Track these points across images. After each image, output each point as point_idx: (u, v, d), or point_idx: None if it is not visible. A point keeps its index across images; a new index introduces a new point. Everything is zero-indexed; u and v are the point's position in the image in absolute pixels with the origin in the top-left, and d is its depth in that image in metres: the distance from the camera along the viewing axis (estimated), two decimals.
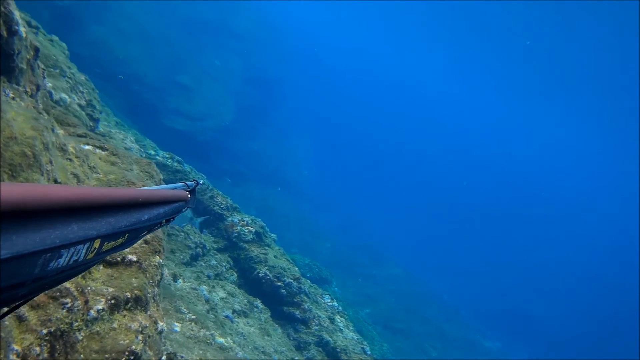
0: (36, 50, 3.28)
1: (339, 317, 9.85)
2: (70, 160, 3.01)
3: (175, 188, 1.50)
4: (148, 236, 3.18)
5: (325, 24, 51.75)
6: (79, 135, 3.58)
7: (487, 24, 37.98)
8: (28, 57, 3.16)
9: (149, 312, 2.86)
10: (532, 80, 42.73)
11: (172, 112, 24.05)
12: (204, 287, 7.62)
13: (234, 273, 8.92)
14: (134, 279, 2.85)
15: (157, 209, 1.14)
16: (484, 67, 45.83)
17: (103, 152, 3.46)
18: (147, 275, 2.95)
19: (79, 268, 0.84)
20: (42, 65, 3.54)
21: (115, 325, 2.62)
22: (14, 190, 0.56)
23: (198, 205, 9.55)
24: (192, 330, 4.80)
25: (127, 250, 2.96)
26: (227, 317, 7.33)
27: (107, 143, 3.56)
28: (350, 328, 9.85)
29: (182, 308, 4.99)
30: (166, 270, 6.68)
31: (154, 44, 25.22)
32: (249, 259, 9.02)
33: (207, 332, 4.91)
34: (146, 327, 2.76)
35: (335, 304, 10.27)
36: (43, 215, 0.64)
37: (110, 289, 2.70)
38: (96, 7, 23.13)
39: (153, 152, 10.57)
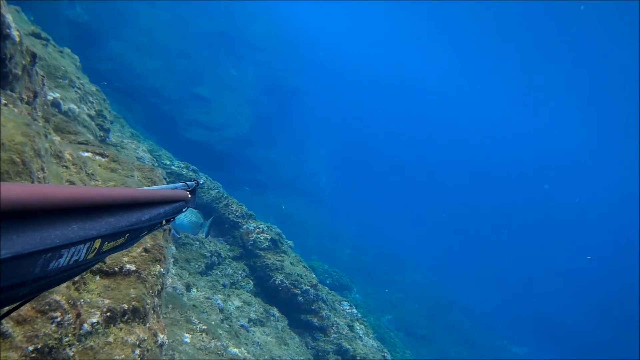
0: (33, 56, 3.21)
1: (358, 324, 9.61)
2: (67, 167, 2.91)
3: (175, 188, 1.51)
4: (148, 244, 3.05)
5: (341, 33, 51.73)
6: (80, 143, 3.49)
7: (498, 23, 37.52)
8: (24, 62, 3.08)
9: (148, 324, 2.72)
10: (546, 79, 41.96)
11: (190, 123, 24.24)
12: (219, 296, 7.49)
13: (250, 281, 8.78)
14: (132, 290, 2.72)
15: (157, 209, 1.14)
16: (504, 70, 45.18)
17: (103, 159, 3.36)
18: (147, 285, 2.82)
19: (80, 268, 0.83)
20: (41, 73, 3.47)
21: (110, 339, 2.48)
22: (14, 190, 0.56)
23: (212, 213, 9.47)
24: (203, 341, 4.65)
25: (126, 259, 2.85)
26: (242, 326, 7.18)
27: (107, 150, 3.47)
28: (370, 335, 9.59)
29: (193, 318, 4.85)
30: (178, 281, 6.58)
31: (171, 57, 25.52)
32: (265, 266, 8.87)
33: (219, 343, 4.76)
34: (144, 340, 2.62)
35: (354, 310, 10.03)
36: (43, 215, 0.64)
37: (107, 301, 2.57)
38: (114, 22, 23.52)
39: (168, 162, 10.55)
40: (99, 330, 2.45)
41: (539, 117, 52.99)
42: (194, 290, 6.81)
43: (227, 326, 6.47)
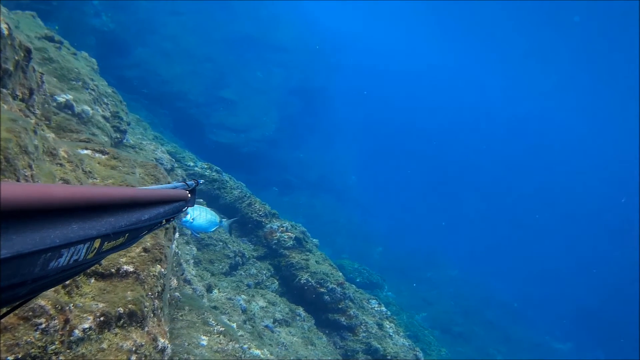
0: (27, 51, 3.08)
1: (388, 322, 9.29)
2: (61, 165, 2.76)
3: (175, 187, 1.51)
4: (148, 244, 2.88)
5: (365, 30, 51.15)
6: (81, 141, 3.37)
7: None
8: (17, 58, 2.96)
9: (147, 329, 2.54)
10: None
11: (216, 126, 24.39)
12: (243, 296, 7.34)
13: (275, 281, 8.60)
14: (129, 292, 2.55)
15: (157, 209, 1.14)
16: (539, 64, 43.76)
17: (103, 157, 3.22)
18: (146, 287, 2.64)
19: (80, 267, 0.83)
20: (39, 70, 3.35)
21: (104, 345, 2.31)
22: (14, 190, 0.56)
23: (235, 213, 9.36)
24: (220, 343, 4.48)
25: (123, 260, 2.68)
26: (267, 326, 7.01)
27: (108, 147, 3.33)
28: (401, 334, 9.26)
29: (211, 320, 4.69)
30: (199, 282, 6.45)
31: (197, 62, 25.71)
32: (290, 265, 8.68)
33: (237, 345, 4.57)
34: (142, 345, 2.44)
35: (384, 309, 9.71)
36: (43, 214, 0.63)
37: (101, 305, 2.40)
38: (140, 30, 23.86)
39: (192, 164, 10.51)
40: (92, 337, 2.29)
41: (577, 112, 50.98)
42: (216, 291, 6.68)
43: (250, 327, 6.30)
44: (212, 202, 9.28)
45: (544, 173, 55.03)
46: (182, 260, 6.30)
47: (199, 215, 6.34)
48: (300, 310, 8.01)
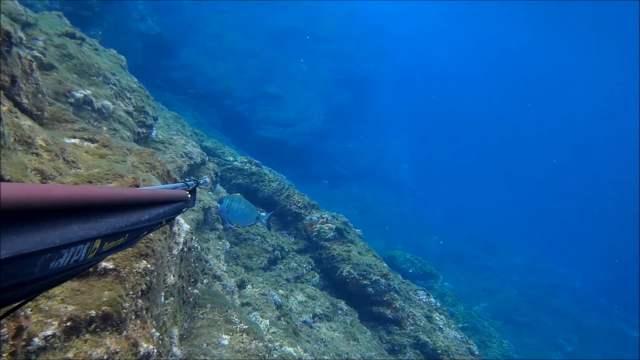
0: (7, 35, 2.88)
1: (437, 314, 8.70)
2: (37, 154, 2.53)
3: (175, 188, 1.51)
4: None
5: (412, 15, 49.50)
6: (75, 130, 3.16)
7: None
8: None
9: (125, 333, 2.24)
10: None
11: (263, 121, 24.41)
12: (281, 291, 7.05)
13: (316, 274, 8.25)
14: (106, 292, 2.26)
15: (157, 209, 1.15)
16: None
17: (92, 145, 2.98)
18: (127, 285, 2.35)
19: (80, 268, 0.81)
20: (28, 57, 3.15)
21: (70, 354, 2.02)
22: (14, 190, 0.56)
23: (274, 206, 9.10)
24: (243, 342, 4.18)
25: None
26: (305, 322, 6.67)
27: (99, 135, 3.09)
28: (452, 326, 8.64)
29: (234, 318, 4.40)
30: (231, 278, 6.21)
31: (241, 59, 25.80)
32: (331, 258, 8.29)
33: (261, 344, 4.25)
34: (116, 352, 2.14)
35: (432, 300, 9.11)
36: (43, 215, 0.64)
37: (70, 308, 2.12)
38: (185, 31, 24.21)
39: (231, 158, 10.39)
40: (56, 345, 2.01)
41: None
42: (249, 286, 6.41)
43: (285, 323, 5.99)
44: (251, 196, 9.07)
45: (614, 157, 51.14)
46: (210, 256, 6.09)
47: (235, 206, 6.14)
48: (342, 304, 7.62)
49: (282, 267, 8.03)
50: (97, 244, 0.78)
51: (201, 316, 4.30)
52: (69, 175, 2.61)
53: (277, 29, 27.88)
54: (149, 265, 2.51)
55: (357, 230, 9.44)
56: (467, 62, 51.61)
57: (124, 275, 2.36)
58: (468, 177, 41.29)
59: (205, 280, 5.58)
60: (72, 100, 4.96)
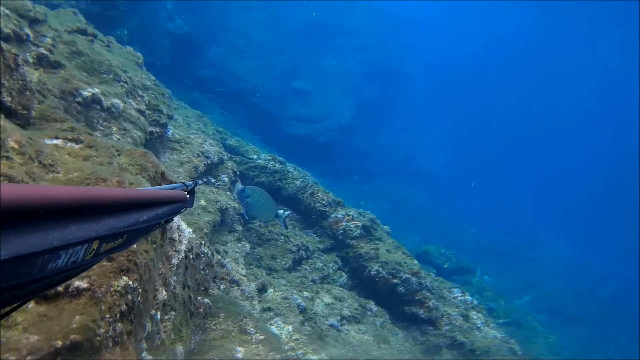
0: None
1: (474, 312, 8.17)
2: (8, 158, 2.25)
3: (174, 188, 1.51)
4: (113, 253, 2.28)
5: (441, 8, 48.03)
6: (62, 130, 2.89)
7: None
8: None
9: None
10: None
11: (291, 118, 24.15)
12: (305, 293, 6.70)
13: (343, 274, 7.87)
14: (77, 317, 1.95)
15: (155, 210, 1.15)
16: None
17: (76, 146, 2.69)
18: (102, 307, 2.03)
19: (78, 269, 0.83)
20: (12, 50, 2.89)
21: None
22: (13, 191, 0.56)
23: (298, 204, 8.76)
24: (259, 354, 3.85)
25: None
26: (332, 325, 6.31)
27: (84, 135, 2.81)
28: (492, 325, 8.10)
29: (249, 327, 4.08)
30: (252, 282, 5.90)
31: (269, 56, 25.58)
32: (358, 256, 7.89)
33: (278, 356, 3.92)
34: None
35: (469, 297, 8.56)
36: (41, 216, 0.64)
37: (33, 338, 1.81)
38: (212, 29, 24.12)
39: (255, 156, 10.13)
40: None
41: None
42: (271, 290, 6.09)
43: (309, 328, 5.64)
44: (274, 194, 8.76)
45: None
46: (227, 260, 5.80)
47: (256, 198, 5.94)
48: (372, 305, 7.22)
49: (307, 268, 7.69)
50: (95, 245, 0.79)
51: (214, 327, 4.01)
52: (44, 180, 2.32)
53: (304, 24, 27.52)
54: (130, 282, 2.20)
55: (385, 226, 9.00)
56: (497, 53, 49.75)
57: (100, 295, 2.05)
58: (505, 168, 39.90)
59: (222, 286, 5.29)
60: (80, 99, 4.76)
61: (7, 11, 4.24)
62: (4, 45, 2.84)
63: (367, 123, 27.24)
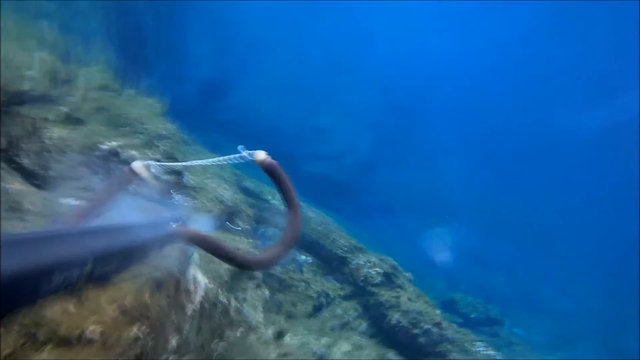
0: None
1: None
2: (23, 219, 2.31)
3: (165, 221, 1.70)
4: (127, 302, 2.27)
5: (457, 39, 48.36)
6: (76, 189, 2.97)
7: None
8: None
9: None
10: None
11: (309, 156, 24.20)
12: (324, 340, 6.54)
13: (363, 322, 7.69)
14: None
15: (146, 238, 1.26)
16: None
17: None
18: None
19: (72, 287, 0.85)
20: (30, 115, 3.01)
21: None
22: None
23: (320, 251, 8.65)
24: None
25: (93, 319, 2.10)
26: None
27: (93, 193, 2.88)
28: None
29: None
30: (269, 328, 5.82)
31: (289, 94, 25.87)
32: (379, 304, 7.73)
33: None
34: None
35: (492, 352, 8.22)
36: (38, 238, 0.73)
37: None
38: (237, 72, 24.55)
39: (270, 197, 10.21)
40: None
41: None
42: (288, 336, 5.99)
43: None
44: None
45: None
46: (246, 306, 5.75)
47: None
48: (391, 355, 6.99)
49: (327, 314, 7.55)
50: (88, 268, 0.83)
51: None
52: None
53: (326, 62, 27.87)
54: (138, 333, 2.18)
55: (407, 273, 8.83)
56: (518, 87, 48.99)
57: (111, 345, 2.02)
58: (536, 205, 37.86)
59: (239, 332, 5.22)
60: (99, 153, 4.92)
61: (37, 75, 4.49)
62: (24, 111, 2.97)
63: (386, 158, 27.09)
